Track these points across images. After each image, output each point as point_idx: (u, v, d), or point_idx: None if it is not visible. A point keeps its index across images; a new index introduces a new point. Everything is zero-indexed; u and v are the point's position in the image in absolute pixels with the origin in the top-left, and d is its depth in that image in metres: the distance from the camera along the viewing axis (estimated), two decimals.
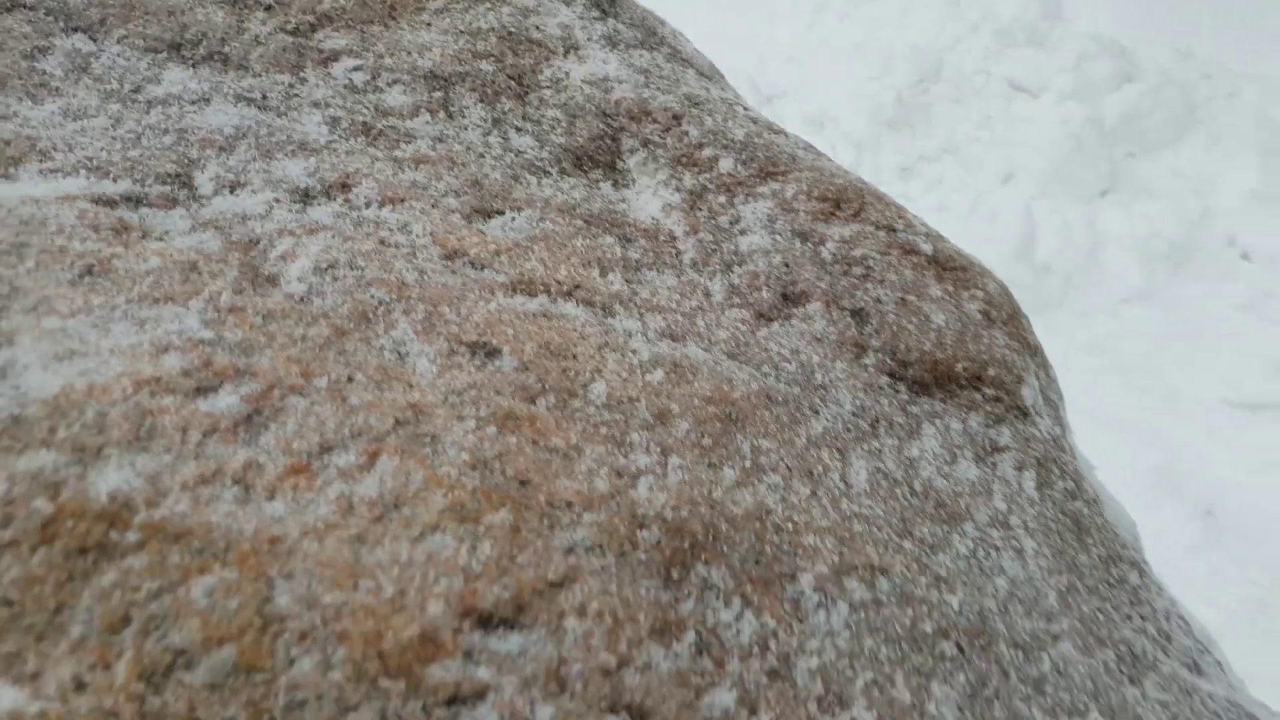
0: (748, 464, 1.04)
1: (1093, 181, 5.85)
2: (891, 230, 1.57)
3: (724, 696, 0.80)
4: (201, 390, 0.75)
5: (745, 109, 1.63)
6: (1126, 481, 4.25)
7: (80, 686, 0.67)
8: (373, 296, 0.90)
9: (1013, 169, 5.96)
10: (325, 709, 0.68)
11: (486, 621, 0.73)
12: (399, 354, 0.87)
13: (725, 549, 0.92)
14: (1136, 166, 5.98)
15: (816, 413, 1.22)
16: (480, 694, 0.70)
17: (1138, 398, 4.86)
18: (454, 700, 0.70)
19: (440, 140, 1.22)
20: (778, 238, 1.44)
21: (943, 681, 0.97)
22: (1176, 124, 6.16)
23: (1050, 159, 5.89)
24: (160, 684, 0.67)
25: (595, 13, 1.68)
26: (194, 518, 0.70)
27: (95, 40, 1.18)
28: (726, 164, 1.49)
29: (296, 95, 1.17)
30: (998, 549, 1.22)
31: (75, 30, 1.18)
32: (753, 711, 0.80)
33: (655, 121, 1.47)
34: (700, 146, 1.48)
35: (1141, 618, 1.38)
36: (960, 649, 1.03)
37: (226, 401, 0.74)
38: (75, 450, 0.70)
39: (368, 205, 1.06)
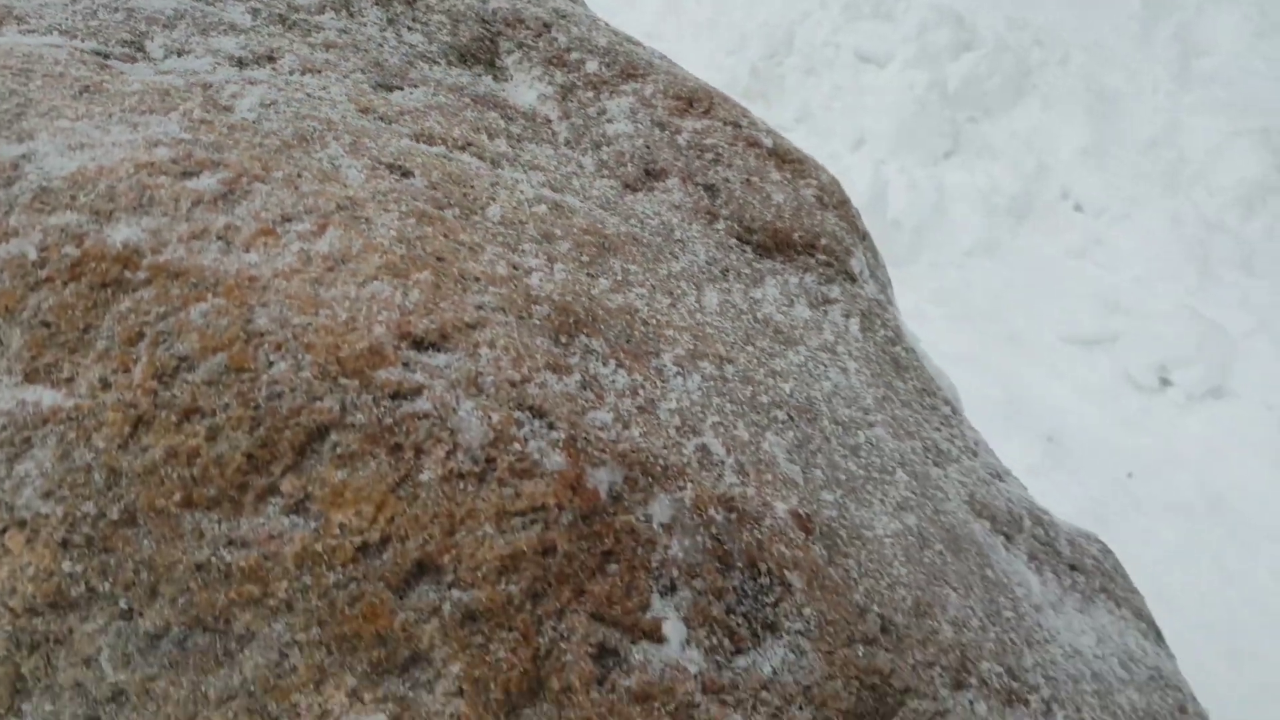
0: (619, 278, 1.28)
1: (938, 144, 6.25)
2: (737, 126, 1.84)
3: (603, 415, 1.04)
4: (187, 174, 0.96)
5: (606, 24, 1.88)
6: (974, 415, 4.62)
7: (106, 386, 0.88)
8: (309, 125, 1.12)
9: (863, 135, 6.33)
10: (298, 398, 0.90)
11: (419, 343, 0.96)
12: (334, 165, 1.09)
13: (603, 328, 1.16)
14: (978, 129, 6.41)
15: (675, 257, 1.47)
16: (417, 391, 0.93)
17: (984, 340, 5.25)
18: (396, 395, 0.93)
19: (345, 32, 1.44)
20: (639, 126, 1.69)
21: (775, 434, 1.23)
22: (1013, 88, 6.61)
23: (897, 124, 6.26)
24: (169, 382, 0.89)
25: None
26: (189, 261, 0.91)
27: None
28: (592, 66, 1.73)
29: None
30: (825, 365, 1.49)
31: None
32: (626, 426, 1.05)
33: (528, 28, 1.70)
34: (569, 50, 1.72)
35: (951, 434, 1.67)
36: (790, 417, 1.29)
37: (207, 183, 0.96)
38: (93, 212, 0.91)
39: (292, 73, 1.27)
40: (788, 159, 1.86)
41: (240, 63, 1.24)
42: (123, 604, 0.87)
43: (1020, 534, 1.53)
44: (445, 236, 1.09)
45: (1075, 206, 5.98)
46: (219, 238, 0.94)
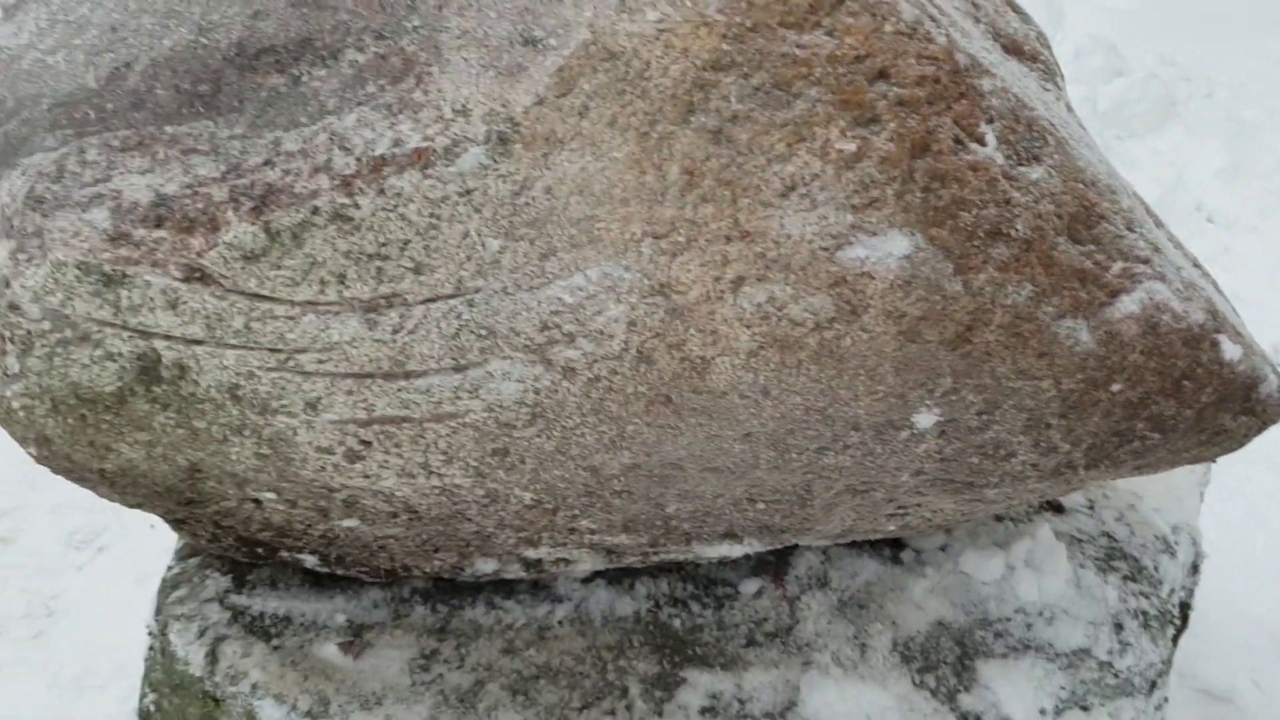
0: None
1: None
2: None
3: (949, 39, 2.17)
4: None
5: None
6: None
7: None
8: None
9: None
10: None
11: None
12: None
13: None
14: (1123, 145, 7.51)
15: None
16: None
17: None
18: None
19: None
20: None
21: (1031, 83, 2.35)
22: (1159, 115, 7.71)
23: None
24: None
25: None
26: None
27: None
28: None
29: None
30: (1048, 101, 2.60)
31: None
32: (957, 46, 2.17)
33: None
34: None
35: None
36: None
37: None
38: None
39: None
40: (1017, 9, 2.99)
41: None
42: (745, 70, 2.01)
43: None
44: None
45: (1208, 218, 7.03)
46: None
